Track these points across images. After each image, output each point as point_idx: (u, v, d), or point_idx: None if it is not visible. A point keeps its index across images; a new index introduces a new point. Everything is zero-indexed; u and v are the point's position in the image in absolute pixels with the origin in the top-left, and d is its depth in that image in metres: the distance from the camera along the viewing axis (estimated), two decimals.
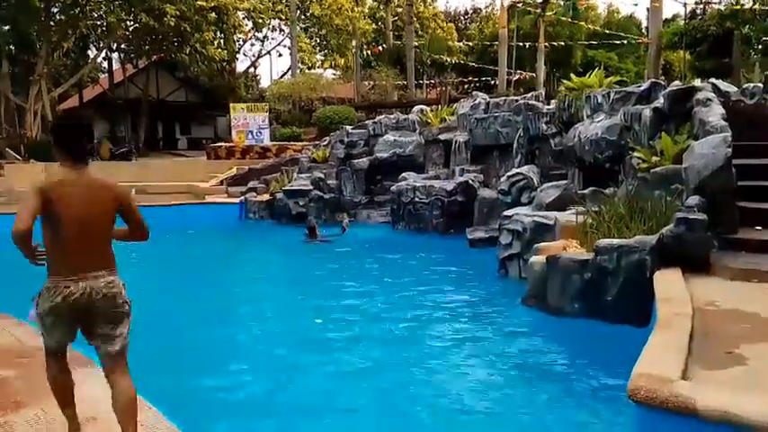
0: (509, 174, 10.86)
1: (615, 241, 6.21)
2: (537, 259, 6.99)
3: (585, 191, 8.72)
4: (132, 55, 33.21)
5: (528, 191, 10.31)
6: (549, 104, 12.16)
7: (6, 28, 25.41)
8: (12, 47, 28.11)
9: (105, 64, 35.45)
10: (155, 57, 33.07)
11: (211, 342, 6.38)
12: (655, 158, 7.69)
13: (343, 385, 5.19)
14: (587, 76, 10.78)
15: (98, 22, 28.15)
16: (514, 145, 12.16)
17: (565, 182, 9.73)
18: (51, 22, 25.53)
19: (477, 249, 10.50)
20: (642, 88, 9.52)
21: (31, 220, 2.94)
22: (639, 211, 6.80)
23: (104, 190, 3.23)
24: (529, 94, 14.01)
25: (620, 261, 6.03)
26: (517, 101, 12.92)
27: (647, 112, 8.37)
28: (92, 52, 33.97)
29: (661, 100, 8.32)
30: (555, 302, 6.61)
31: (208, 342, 6.36)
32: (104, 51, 32.40)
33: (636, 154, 8.08)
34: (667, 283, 5.26)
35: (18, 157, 21.24)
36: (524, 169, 10.82)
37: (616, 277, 6.05)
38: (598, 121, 9.48)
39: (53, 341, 3.21)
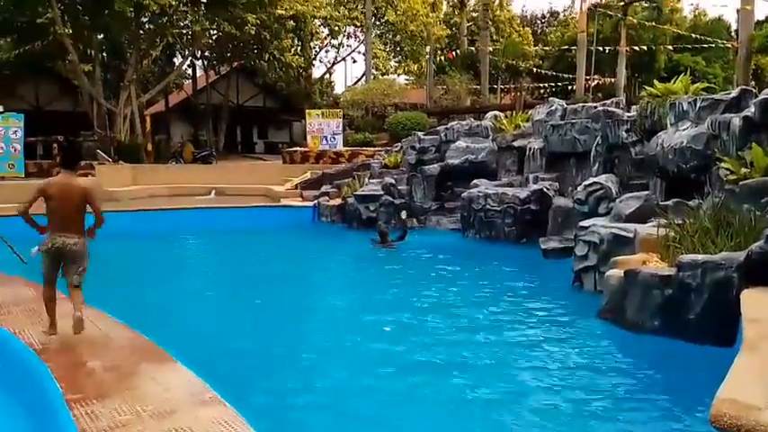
0: (586, 183, 10.55)
1: (700, 257, 5.95)
2: (614, 273, 6.78)
3: (668, 202, 8.36)
4: (215, 62, 34.67)
5: (606, 201, 10.00)
6: (629, 111, 11.74)
7: (100, 36, 26.97)
8: (104, 54, 29.87)
9: (189, 71, 37.09)
10: (235, 64, 34.44)
11: (280, 339, 6.54)
12: (744, 170, 7.30)
13: (412, 394, 5.20)
14: (672, 81, 10.33)
15: (183, 31, 29.45)
16: (592, 153, 11.79)
17: (646, 192, 9.37)
18: (141, 31, 26.91)
19: (550, 260, 10.24)
20: (731, 95, 9.03)
21: (27, 206, 5.30)
22: (726, 226, 6.51)
23: (78, 187, 5.37)
24: (608, 101, 13.51)
25: (704, 278, 5.78)
26: (596, 107, 12.51)
27: (736, 120, 7.95)
28: (177, 60, 35.67)
29: (752, 108, 7.88)
30: (633, 318, 6.39)
31: (277, 341, 6.53)
32: (189, 59, 33.91)
33: (723, 165, 7.70)
34: (755, 303, 4.99)
35: (108, 158, 22.38)
36: (602, 178, 10.49)
37: (700, 295, 5.79)
38: (683, 130, 9.07)
39: (47, 272, 5.41)
